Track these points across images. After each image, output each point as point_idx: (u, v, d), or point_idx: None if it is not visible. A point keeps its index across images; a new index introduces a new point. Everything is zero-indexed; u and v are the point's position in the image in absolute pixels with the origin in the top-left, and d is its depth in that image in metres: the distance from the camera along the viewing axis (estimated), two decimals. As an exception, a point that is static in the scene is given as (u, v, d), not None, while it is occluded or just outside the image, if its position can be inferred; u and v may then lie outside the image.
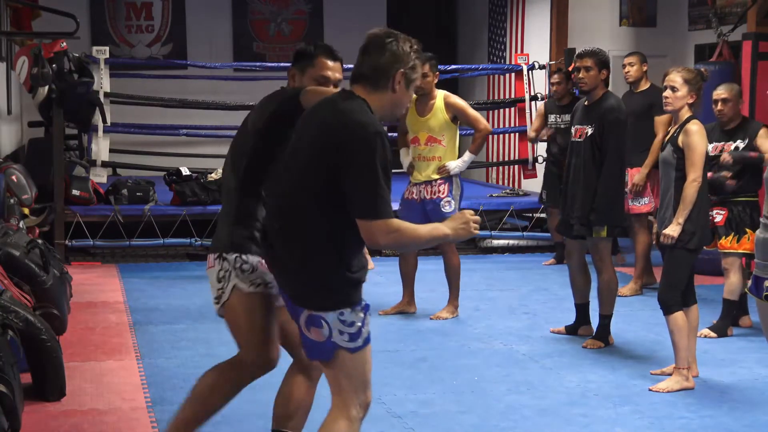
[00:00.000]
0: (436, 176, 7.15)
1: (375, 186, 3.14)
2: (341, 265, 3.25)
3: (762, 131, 6.74)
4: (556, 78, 9.37)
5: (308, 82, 3.90)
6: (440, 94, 7.16)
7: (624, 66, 8.23)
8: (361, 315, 3.28)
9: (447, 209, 7.14)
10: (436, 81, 7.17)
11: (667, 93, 5.49)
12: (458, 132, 7.29)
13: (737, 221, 6.69)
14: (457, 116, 7.17)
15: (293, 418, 3.91)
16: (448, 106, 7.13)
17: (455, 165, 7.18)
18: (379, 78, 3.28)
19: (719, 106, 6.74)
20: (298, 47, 4.07)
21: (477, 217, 3.36)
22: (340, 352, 3.28)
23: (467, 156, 7.24)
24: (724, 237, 6.70)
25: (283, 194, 3.35)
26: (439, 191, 7.18)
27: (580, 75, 6.31)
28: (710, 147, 6.32)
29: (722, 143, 6.78)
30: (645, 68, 8.18)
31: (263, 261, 3.68)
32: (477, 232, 3.35)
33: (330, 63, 3.95)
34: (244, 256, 3.77)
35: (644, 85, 8.19)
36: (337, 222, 3.23)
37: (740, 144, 6.75)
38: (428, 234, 3.32)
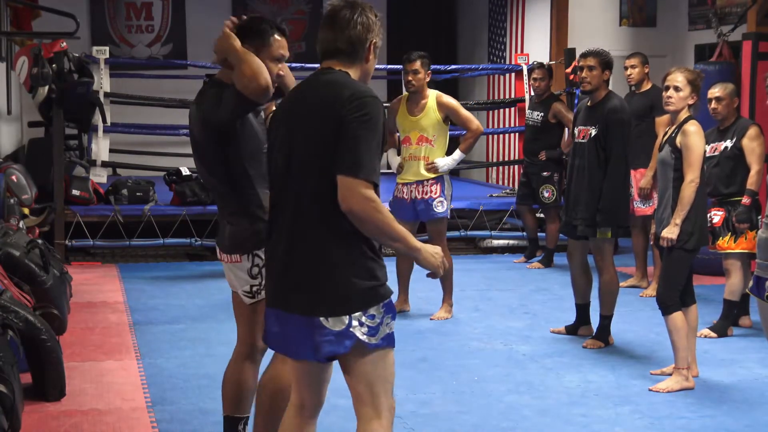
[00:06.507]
0: (427, 175, 7.09)
1: (368, 145, 3.03)
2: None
3: (751, 131, 6.71)
4: (537, 74, 9.45)
5: (264, 61, 3.73)
6: (432, 94, 7.10)
7: (626, 68, 8.21)
8: (382, 311, 3.14)
9: (439, 209, 7.10)
10: (428, 79, 7.10)
11: (670, 93, 5.47)
12: (448, 132, 7.23)
13: (734, 221, 6.69)
14: (449, 116, 7.12)
15: (247, 400, 4.05)
16: (441, 106, 7.06)
17: (444, 162, 7.10)
18: (357, 51, 3.21)
19: (713, 105, 6.73)
20: (247, 20, 3.85)
21: (445, 263, 3.21)
22: (358, 346, 3.12)
23: (457, 154, 7.17)
24: (721, 237, 6.70)
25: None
26: (431, 191, 7.11)
27: (583, 74, 6.28)
28: (707, 147, 6.34)
29: (716, 143, 6.78)
30: (647, 70, 8.18)
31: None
32: (438, 271, 3.18)
33: (283, 40, 3.82)
34: None
35: (646, 86, 8.18)
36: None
37: (728, 144, 6.74)
38: (400, 233, 3.08)
